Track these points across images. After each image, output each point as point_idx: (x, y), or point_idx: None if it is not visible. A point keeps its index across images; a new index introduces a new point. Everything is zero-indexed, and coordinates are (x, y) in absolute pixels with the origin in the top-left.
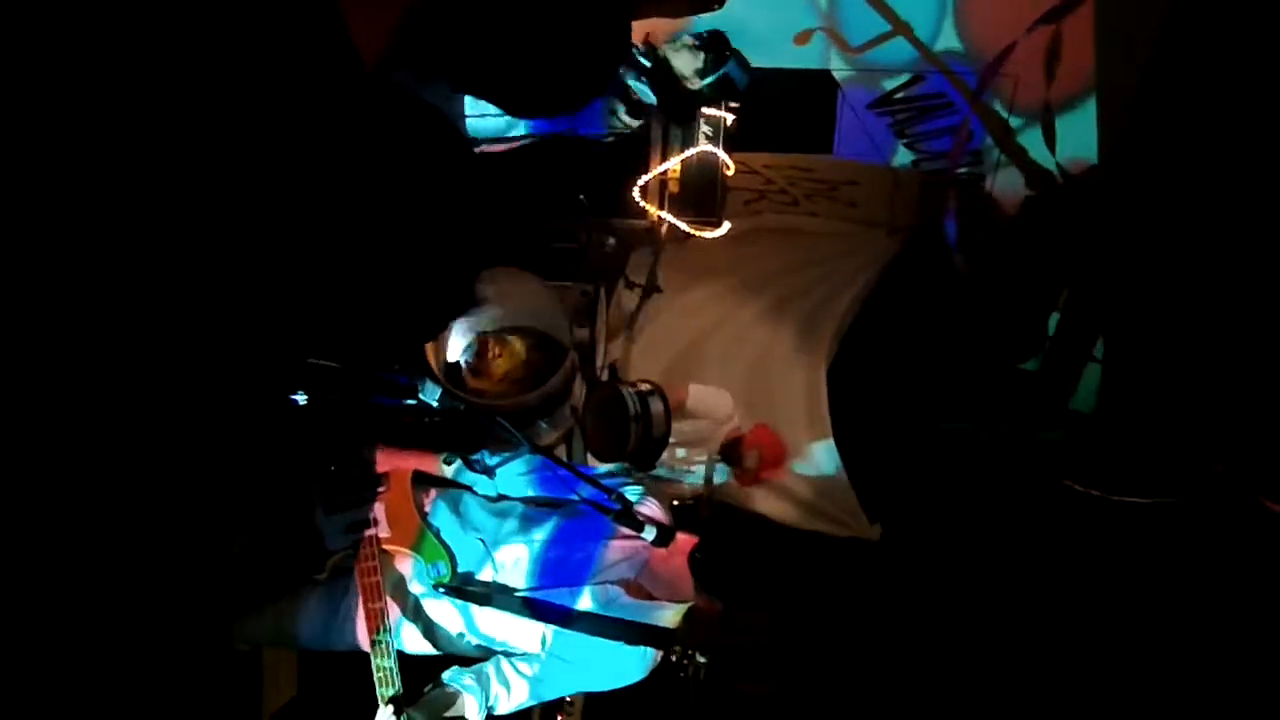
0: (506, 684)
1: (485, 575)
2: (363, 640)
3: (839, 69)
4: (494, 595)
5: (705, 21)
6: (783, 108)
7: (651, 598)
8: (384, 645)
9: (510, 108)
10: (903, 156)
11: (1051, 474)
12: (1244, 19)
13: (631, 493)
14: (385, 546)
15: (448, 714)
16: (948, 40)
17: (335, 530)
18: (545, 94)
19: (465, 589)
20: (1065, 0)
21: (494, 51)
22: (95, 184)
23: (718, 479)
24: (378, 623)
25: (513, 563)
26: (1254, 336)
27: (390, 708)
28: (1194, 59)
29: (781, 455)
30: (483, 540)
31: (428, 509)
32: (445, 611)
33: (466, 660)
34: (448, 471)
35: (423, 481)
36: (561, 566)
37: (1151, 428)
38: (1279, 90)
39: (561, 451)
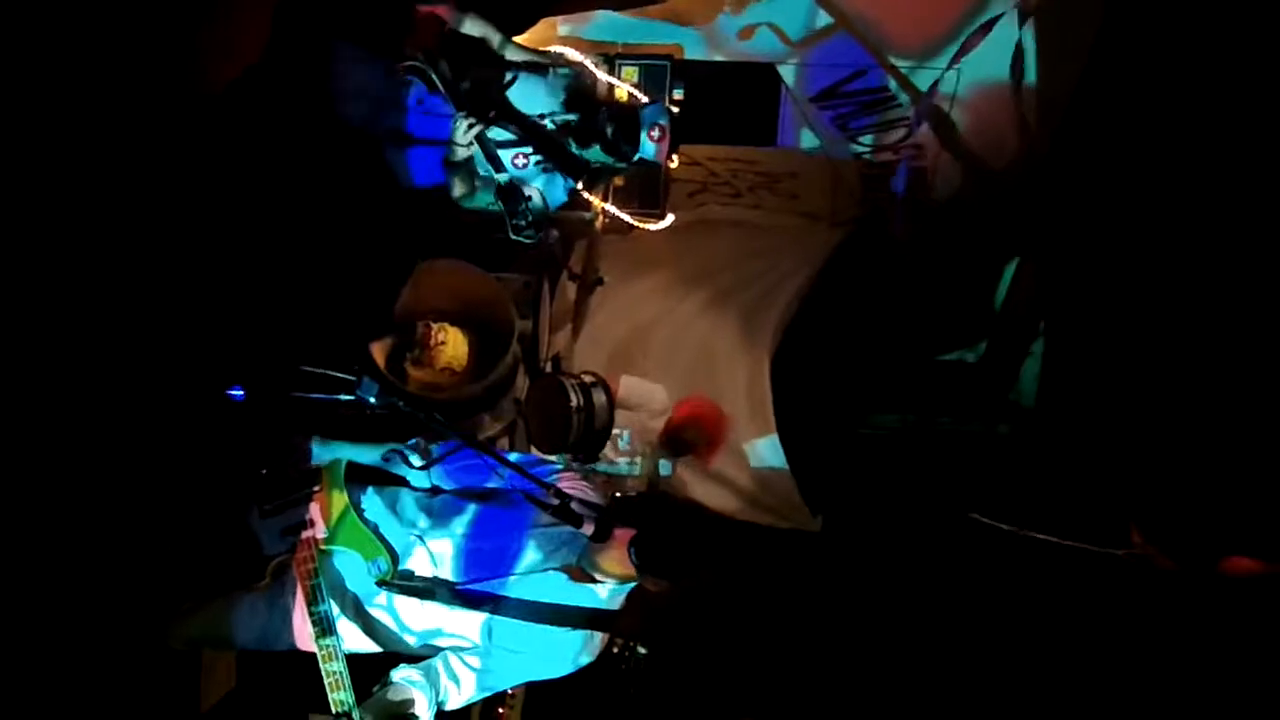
0: (456, 679)
1: (424, 569)
2: (302, 642)
3: (782, 62)
4: (435, 589)
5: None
6: (726, 100)
7: (593, 581)
8: (329, 649)
9: None
10: (845, 150)
11: (960, 506)
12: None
13: (570, 486)
14: (323, 546)
15: (398, 713)
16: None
17: (271, 534)
18: None
19: (406, 584)
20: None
21: None
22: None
23: (663, 472)
24: (321, 626)
25: (446, 555)
26: (1196, 326)
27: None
28: (1133, 52)
29: (719, 420)
30: (419, 535)
31: (363, 506)
32: (386, 609)
33: (412, 657)
34: (382, 465)
35: (356, 477)
36: (491, 555)
37: (1090, 423)
38: (1222, 85)
39: (505, 442)
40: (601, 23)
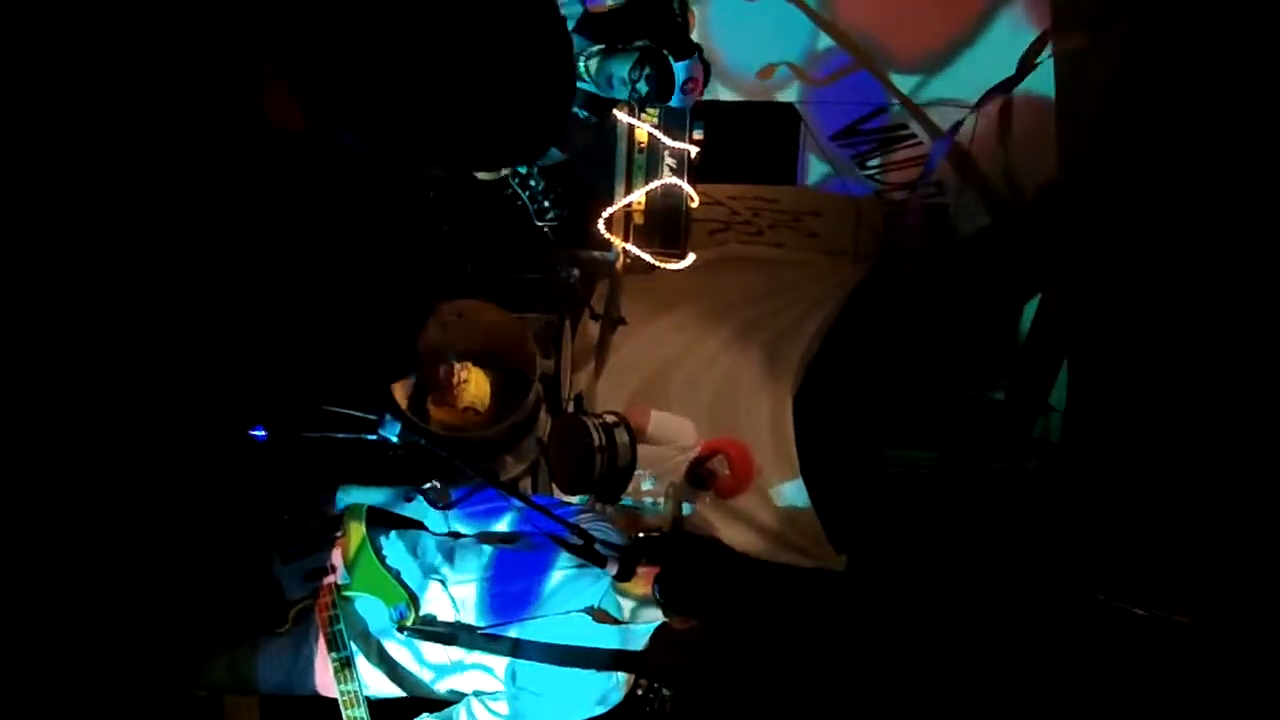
0: None
1: (446, 615)
2: (324, 688)
3: (802, 101)
4: (457, 634)
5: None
6: (746, 139)
7: (617, 622)
8: (351, 694)
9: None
10: (866, 187)
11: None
12: (1203, 44)
13: (592, 525)
14: (345, 592)
15: None
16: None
17: (293, 579)
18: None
19: (428, 629)
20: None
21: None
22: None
23: (685, 510)
24: (343, 672)
25: (469, 599)
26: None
27: None
28: (1156, 86)
29: (748, 458)
30: (440, 580)
31: (384, 551)
32: (409, 654)
33: (435, 703)
34: (404, 510)
35: (378, 521)
36: (514, 598)
37: (1115, 459)
38: (1242, 118)
39: (526, 483)
40: None
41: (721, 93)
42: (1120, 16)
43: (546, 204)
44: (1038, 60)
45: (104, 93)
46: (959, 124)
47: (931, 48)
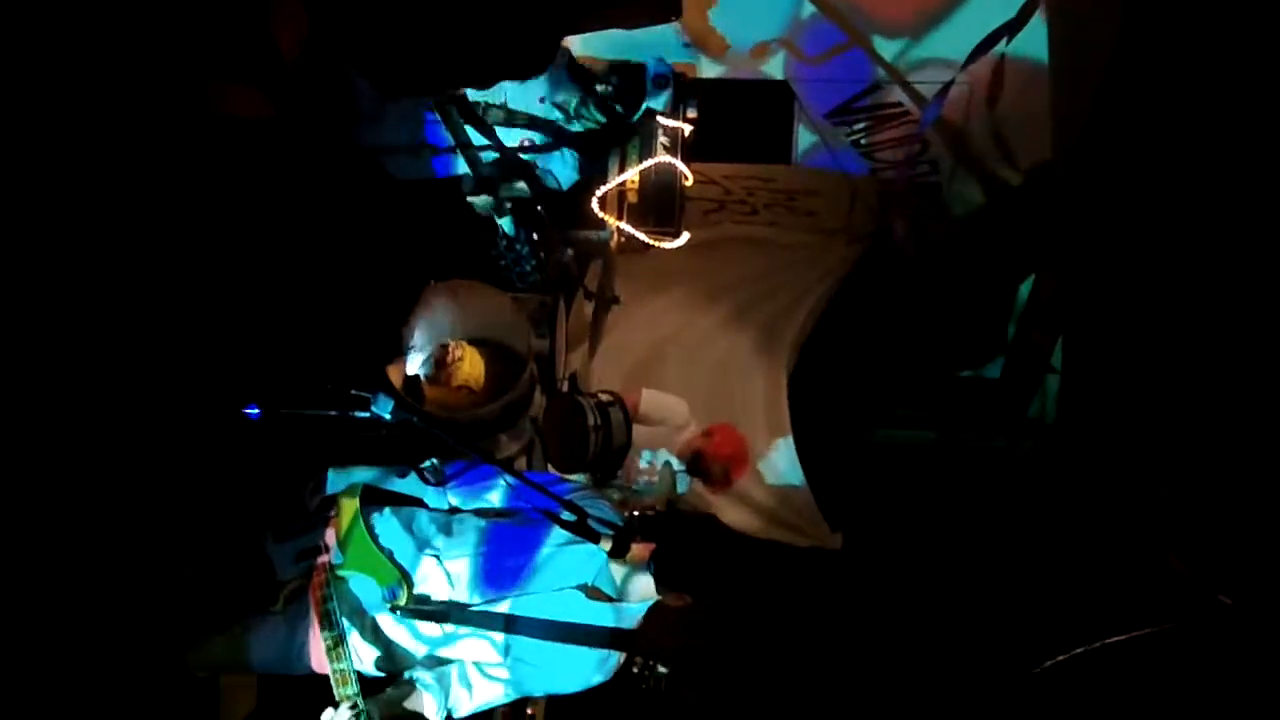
0: (469, 686)
1: (440, 592)
2: (319, 666)
3: (795, 79)
4: (450, 611)
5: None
6: (741, 118)
7: (611, 600)
8: (343, 673)
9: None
10: (861, 165)
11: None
12: (1199, 29)
13: (587, 503)
14: (338, 572)
15: (404, 712)
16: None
17: (285, 559)
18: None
19: (421, 609)
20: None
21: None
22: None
23: (680, 488)
24: (336, 650)
25: (463, 575)
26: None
27: (346, 705)
28: (1152, 65)
29: (745, 454)
30: (436, 556)
31: (378, 529)
32: (405, 631)
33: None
34: (399, 486)
35: (373, 499)
36: (509, 573)
37: (1109, 438)
38: (1238, 104)
39: (522, 462)
40: (618, 43)
41: (709, 70)
42: None
43: (528, 269)
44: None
45: (84, 103)
46: (947, 86)
47: (919, 8)
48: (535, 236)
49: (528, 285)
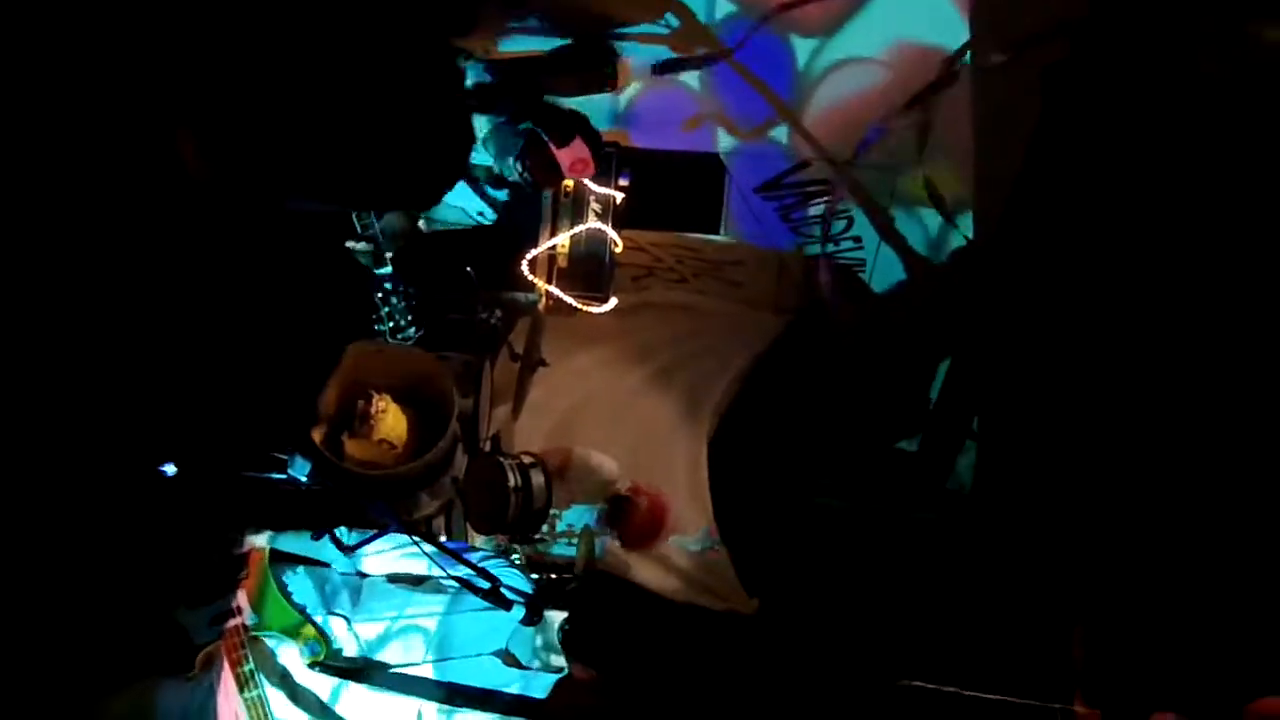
0: None
1: (352, 651)
2: None
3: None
4: (367, 671)
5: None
6: (672, 188)
7: (524, 668)
8: None
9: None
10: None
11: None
12: (1122, 104)
13: (500, 571)
14: (254, 633)
15: None
16: None
17: (200, 623)
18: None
19: (338, 666)
20: (933, 84)
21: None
22: None
23: (598, 551)
24: (256, 709)
25: (376, 638)
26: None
27: None
28: (1074, 142)
29: (665, 515)
30: (346, 619)
31: (290, 588)
32: (322, 689)
33: None
34: (309, 550)
35: (281, 560)
36: (421, 640)
37: (1024, 512)
38: (1164, 177)
39: (440, 522)
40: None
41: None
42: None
43: (404, 323)
44: (955, 67)
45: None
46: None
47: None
48: (412, 292)
49: (404, 338)
